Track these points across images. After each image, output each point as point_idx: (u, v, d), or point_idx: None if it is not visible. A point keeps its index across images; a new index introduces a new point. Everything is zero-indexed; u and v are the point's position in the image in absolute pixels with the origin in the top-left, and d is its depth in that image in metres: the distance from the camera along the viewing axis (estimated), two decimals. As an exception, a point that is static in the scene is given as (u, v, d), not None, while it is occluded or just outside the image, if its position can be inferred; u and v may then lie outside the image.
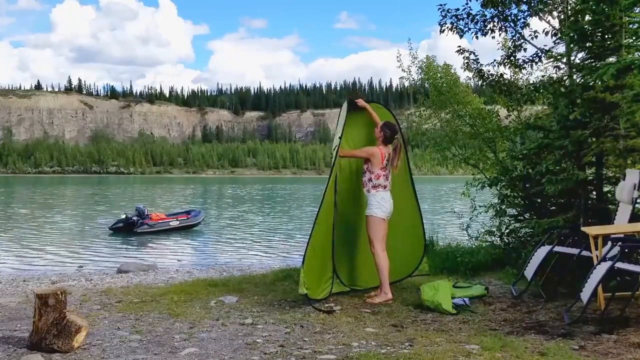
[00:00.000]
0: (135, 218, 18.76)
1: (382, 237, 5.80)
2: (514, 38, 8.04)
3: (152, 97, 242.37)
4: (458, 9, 8.01)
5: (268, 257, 13.62)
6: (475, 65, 8.40)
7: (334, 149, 5.83)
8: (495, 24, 7.93)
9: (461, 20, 8.05)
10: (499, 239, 7.81)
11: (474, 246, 8.23)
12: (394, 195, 5.95)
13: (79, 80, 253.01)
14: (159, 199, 41.16)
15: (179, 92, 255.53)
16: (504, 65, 8.28)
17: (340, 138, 5.82)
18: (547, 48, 7.72)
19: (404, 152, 6.14)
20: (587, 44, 6.58)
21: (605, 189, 6.61)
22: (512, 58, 8.11)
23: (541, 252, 5.74)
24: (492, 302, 5.56)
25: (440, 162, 10.18)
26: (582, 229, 5.41)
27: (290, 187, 74.09)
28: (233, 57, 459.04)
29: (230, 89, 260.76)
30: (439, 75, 9.70)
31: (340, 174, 6.11)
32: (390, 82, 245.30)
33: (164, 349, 4.08)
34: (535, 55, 7.92)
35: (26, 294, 6.48)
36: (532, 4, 7.71)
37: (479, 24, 7.99)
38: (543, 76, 8.20)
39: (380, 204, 5.78)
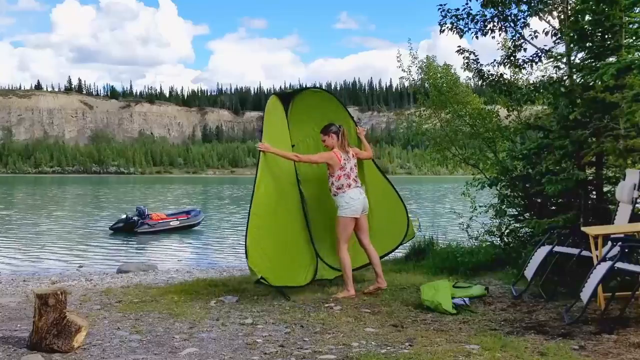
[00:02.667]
0: (135, 218, 18.77)
1: (348, 237, 5.92)
2: (514, 38, 8.03)
3: (152, 97, 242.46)
4: (458, 9, 8.00)
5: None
6: (475, 65, 8.39)
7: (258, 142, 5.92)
8: (495, 24, 7.91)
9: (461, 20, 8.03)
10: (499, 239, 7.81)
11: (474, 246, 8.22)
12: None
13: (79, 80, 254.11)
14: (149, 200, 41.01)
15: (179, 92, 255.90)
16: (504, 65, 8.27)
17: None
18: (547, 48, 7.72)
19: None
20: (587, 44, 6.58)
21: (605, 189, 6.61)
22: (512, 58, 8.09)
23: (541, 252, 5.74)
24: (492, 302, 5.55)
25: (440, 162, 10.17)
26: (582, 229, 5.40)
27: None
28: (233, 57, 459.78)
29: (230, 89, 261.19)
30: (439, 75, 9.69)
31: (304, 166, 6.29)
32: (390, 82, 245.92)
33: (164, 349, 4.08)
34: (535, 55, 7.91)
35: (26, 294, 6.47)
36: (532, 4, 7.70)
37: (479, 24, 7.98)
38: (543, 76, 8.19)
39: (349, 204, 5.87)
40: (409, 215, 6.81)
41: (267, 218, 5.74)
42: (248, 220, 5.58)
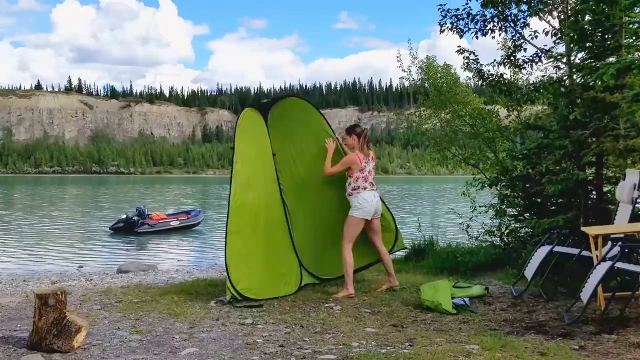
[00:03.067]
0: (135, 218, 18.78)
1: (354, 237, 5.96)
2: (514, 38, 8.05)
3: (152, 97, 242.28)
4: (458, 9, 8.02)
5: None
6: (475, 65, 8.40)
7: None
8: (495, 24, 7.92)
9: (461, 20, 8.05)
10: (499, 239, 7.82)
11: (474, 246, 8.23)
12: (339, 186, 6.16)
13: (79, 80, 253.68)
14: (148, 200, 40.98)
15: (179, 92, 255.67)
16: (504, 65, 8.28)
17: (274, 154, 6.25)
18: (547, 48, 7.72)
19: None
20: (587, 44, 6.59)
21: (605, 189, 6.61)
22: (512, 58, 8.11)
23: (541, 252, 5.74)
24: (492, 302, 5.56)
25: (440, 162, 10.19)
26: (582, 229, 5.40)
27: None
28: (233, 57, 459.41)
29: (230, 89, 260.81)
30: (439, 75, 9.71)
31: (286, 176, 6.31)
32: (390, 82, 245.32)
33: (164, 349, 4.08)
34: (535, 55, 7.92)
35: (26, 294, 6.47)
36: (532, 4, 7.71)
37: (479, 24, 7.99)
38: (543, 76, 8.21)
39: (361, 204, 5.92)
40: (398, 226, 6.70)
41: (246, 229, 5.77)
42: (226, 233, 5.63)
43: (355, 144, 6.05)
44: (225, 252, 5.60)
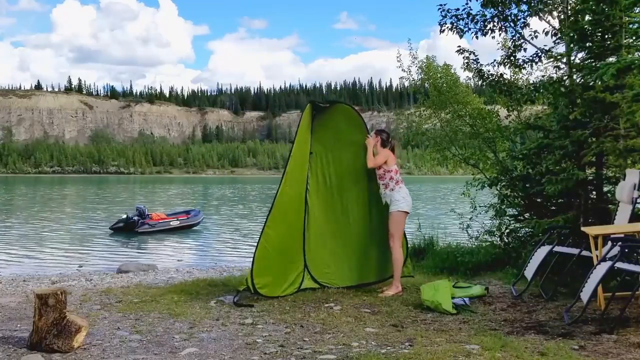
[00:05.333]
0: (135, 218, 18.78)
1: (402, 233, 6.10)
2: (514, 38, 8.05)
3: (152, 97, 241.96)
4: (458, 9, 8.02)
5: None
6: (475, 65, 8.40)
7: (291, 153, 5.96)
8: (495, 24, 7.93)
9: (461, 20, 8.05)
10: (499, 239, 7.82)
11: (474, 246, 8.23)
12: (364, 199, 6.27)
13: (79, 80, 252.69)
14: (145, 200, 40.95)
15: (179, 92, 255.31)
16: (504, 65, 8.28)
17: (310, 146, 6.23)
18: (547, 48, 7.73)
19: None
20: (587, 44, 6.59)
21: (605, 189, 6.61)
22: (512, 58, 8.11)
23: (541, 252, 5.74)
24: (492, 302, 5.56)
25: (440, 162, 10.18)
26: (582, 229, 5.41)
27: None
28: (233, 57, 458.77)
29: (230, 89, 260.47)
30: (439, 75, 9.70)
31: (314, 175, 6.31)
32: (390, 82, 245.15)
33: (164, 349, 4.08)
34: (535, 55, 7.92)
35: (26, 294, 6.47)
36: (532, 4, 7.71)
37: (479, 24, 7.99)
38: (543, 76, 8.20)
39: (405, 198, 6.05)
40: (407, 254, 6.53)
41: (281, 225, 5.82)
42: (264, 226, 5.66)
43: (375, 144, 6.14)
44: (257, 244, 5.64)
